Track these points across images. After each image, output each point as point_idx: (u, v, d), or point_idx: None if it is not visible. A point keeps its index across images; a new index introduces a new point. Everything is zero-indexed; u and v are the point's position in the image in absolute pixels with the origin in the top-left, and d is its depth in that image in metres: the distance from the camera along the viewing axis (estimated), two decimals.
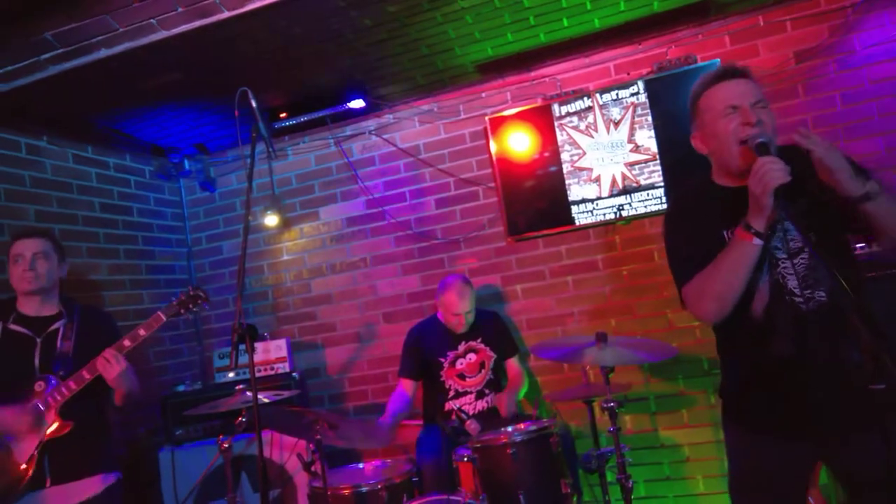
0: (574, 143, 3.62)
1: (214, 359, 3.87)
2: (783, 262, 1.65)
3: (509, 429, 2.74)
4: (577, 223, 3.62)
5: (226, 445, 2.78)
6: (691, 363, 3.46)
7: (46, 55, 2.73)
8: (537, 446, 2.60)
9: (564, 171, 3.63)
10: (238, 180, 4.34)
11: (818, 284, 1.62)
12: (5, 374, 2.45)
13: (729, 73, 1.72)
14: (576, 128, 3.61)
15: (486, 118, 3.77)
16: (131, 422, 3.68)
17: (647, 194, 3.49)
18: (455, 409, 3.30)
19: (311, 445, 2.52)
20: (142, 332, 2.50)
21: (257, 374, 3.69)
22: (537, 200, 3.68)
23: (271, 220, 4.12)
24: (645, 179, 3.49)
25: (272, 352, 3.79)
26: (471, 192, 3.89)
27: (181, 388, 3.74)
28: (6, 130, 3.28)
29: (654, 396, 3.55)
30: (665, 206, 3.44)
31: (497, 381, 3.42)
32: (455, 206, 3.93)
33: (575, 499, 2.71)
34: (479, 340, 3.39)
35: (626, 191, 3.52)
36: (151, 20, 2.60)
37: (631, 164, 3.52)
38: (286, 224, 4.21)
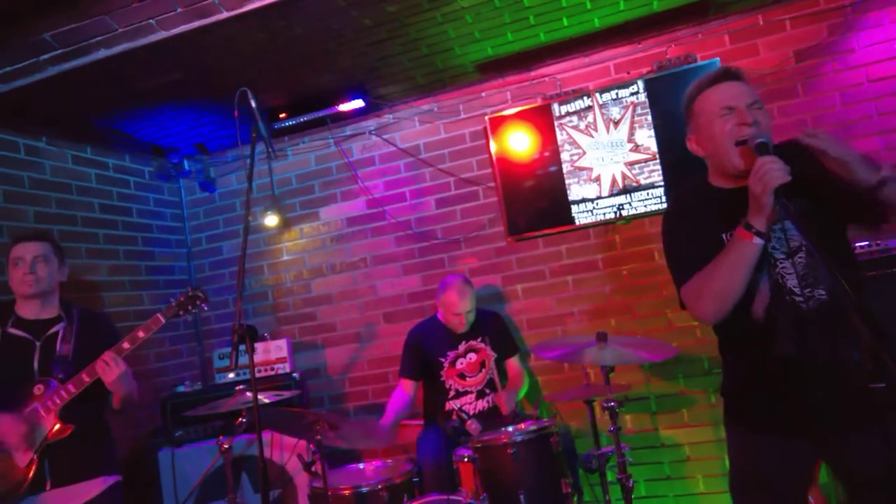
0: (574, 143, 3.61)
1: (214, 359, 3.87)
2: (782, 262, 1.65)
3: (510, 429, 2.74)
4: (577, 223, 3.62)
5: (226, 446, 2.78)
6: (692, 363, 3.46)
7: (45, 56, 2.73)
8: (538, 446, 2.60)
9: (564, 170, 3.62)
10: (238, 180, 4.34)
11: (818, 283, 1.62)
12: (4, 377, 2.44)
13: (723, 75, 1.73)
14: (576, 127, 3.61)
15: (486, 118, 3.77)
16: (131, 423, 3.68)
17: (647, 194, 3.48)
18: (456, 408, 3.30)
19: (311, 446, 2.52)
20: (141, 334, 2.49)
21: (257, 375, 3.70)
22: (537, 200, 3.68)
23: (271, 220, 4.12)
24: (645, 179, 3.49)
25: (272, 352, 3.79)
26: (471, 191, 3.89)
27: (181, 388, 3.74)
28: (5, 131, 3.28)
29: (654, 396, 3.55)
30: (665, 205, 3.44)
31: (497, 381, 3.41)
32: (455, 205, 3.92)
33: (575, 498, 2.71)
34: (479, 340, 3.39)
35: (626, 190, 3.52)
36: (150, 20, 2.60)
37: (631, 164, 3.52)
38: (286, 224, 4.21)
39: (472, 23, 3.08)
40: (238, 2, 2.56)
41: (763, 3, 3.33)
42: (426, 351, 3.40)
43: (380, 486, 2.54)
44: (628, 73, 3.60)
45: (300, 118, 3.78)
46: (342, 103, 3.71)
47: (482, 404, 3.34)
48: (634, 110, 3.51)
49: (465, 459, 2.68)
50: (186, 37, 2.69)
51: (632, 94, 3.51)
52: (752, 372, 1.73)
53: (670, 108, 3.42)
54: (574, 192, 3.61)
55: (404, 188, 4.02)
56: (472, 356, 3.38)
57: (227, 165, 4.34)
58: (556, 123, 3.64)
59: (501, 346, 3.43)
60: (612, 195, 3.55)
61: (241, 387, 2.81)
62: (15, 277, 2.51)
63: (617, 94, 3.54)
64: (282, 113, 3.76)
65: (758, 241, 1.56)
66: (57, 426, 2.40)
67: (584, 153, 3.60)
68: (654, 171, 3.47)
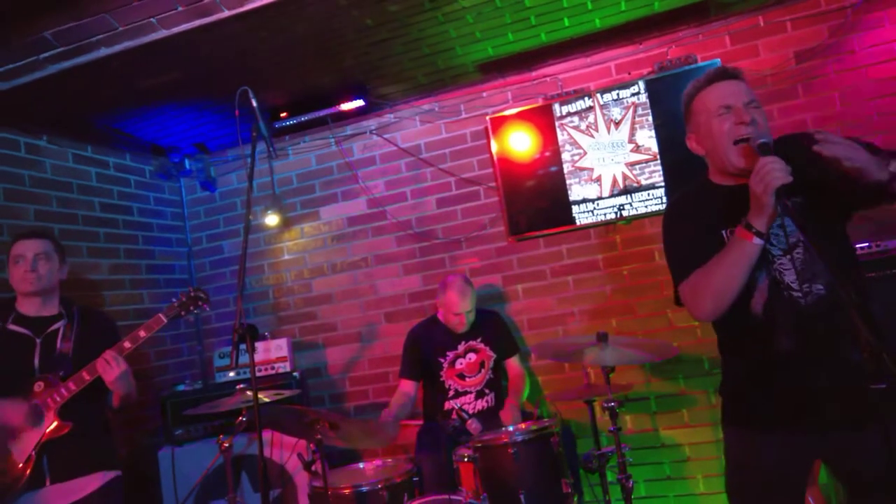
0: (575, 143, 3.61)
1: (215, 358, 3.87)
2: (779, 259, 1.65)
3: (510, 428, 2.75)
4: (577, 223, 3.62)
5: (226, 445, 2.78)
6: (692, 363, 3.46)
7: (46, 54, 2.73)
8: (538, 446, 2.60)
9: (565, 170, 3.63)
10: (238, 180, 4.34)
11: (816, 278, 1.62)
12: (5, 374, 2.44)
13: (721, 74, 1.75)
14: (576, 127, 3.61)
15: (487, 118, 3.77)
16: (131, 422, 3.68)
17: (648, 194, 3.48)
18: (456, 407, 3.29)
19: (311, 445, 2.52)
20: (142, 333, 2.49)
21: (258, 374, 3.69)
22: (538, 200, 3.68)
23: (272, 219, 4.12)
24: (646, 179, 3.49)
25: (273, 351, 3.79)
26: (472, 191, 3.89)
27: (181, 387, 3.73)
28: (5, 130, 3.28)
29: (654, 396, 3.55)
30: (666, 205, 3.44)
31: (497, 381, 3.42)
32: (456, 205, 3.92)
33: (575, 498, 2.71)
34: (478, 340, 3.39)
35: (627, 190, 3.52)
36: (151, 19, 2.60)
37: (632, 164, 3.52)
38: (287, 224, 4.21)
39: (473, 23, 3.08)
40: (239, 0, 2.56)
41: (764, 4, 3.33)
42: (425, 351, 3.40)
43: (380, 486, 2.53)
44: (629, 73, 3.60)
45: (301, 117, 3.78)
46: (343, 103, 3.71)
47: (482, 404, 3.34)
48: (635, 111, 3.51)
49: (466, 459, 2.68)
50: (187, 35, 2.69)
51: (633, 94, 3.51)
52: (753, 369, 1.73)
53: (671, 109, 3.42)
54: (575, 192, 3.61)
55: (405, 188, 4.02)
56: (472, 356, 3.38)
57: (227, 164, 4.34)
58: (556, 123, 3.64)
59: (501, 346, 3.43)
60: (612, 195, 3.55)
61: (242, 386, 2.81)
62: (16, 275, 2.52)
63: (618, 94, 3.54)
64: (283, 112, 3.76)
65: (757, 241, 1.57)
66: (55, 423, 2.40)
67: (585, 153, 3.60)
68: (654, 171, 3.47)
